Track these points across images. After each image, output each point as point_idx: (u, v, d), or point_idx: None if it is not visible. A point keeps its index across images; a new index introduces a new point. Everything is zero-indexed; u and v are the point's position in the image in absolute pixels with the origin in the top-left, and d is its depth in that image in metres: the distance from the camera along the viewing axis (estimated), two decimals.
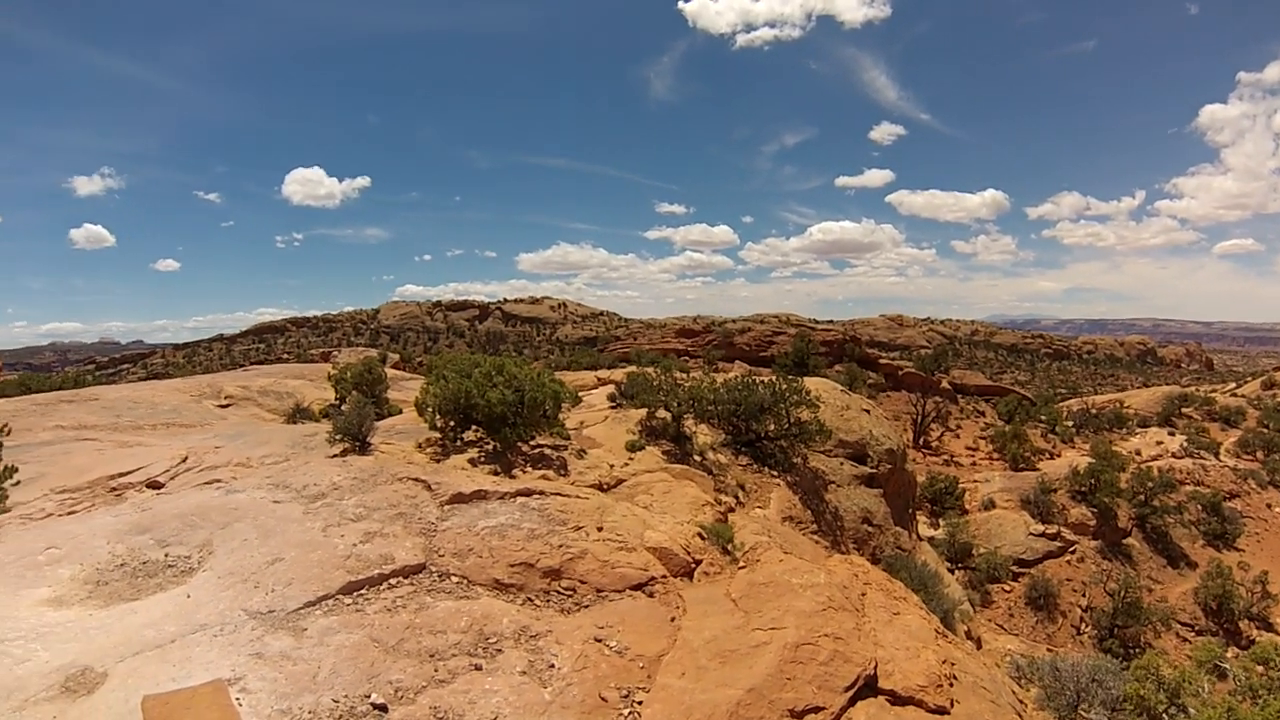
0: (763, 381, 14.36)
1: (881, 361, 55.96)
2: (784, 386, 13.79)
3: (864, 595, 5.98)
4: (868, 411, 17.27)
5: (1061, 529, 24.04)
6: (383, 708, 3.88)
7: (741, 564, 6.81)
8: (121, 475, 9.69)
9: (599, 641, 4.86)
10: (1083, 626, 20.63)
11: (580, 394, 15.04)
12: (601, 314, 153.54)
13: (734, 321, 72.10)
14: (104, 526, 6.16)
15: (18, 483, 8.60)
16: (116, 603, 4.96)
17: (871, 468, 15.11)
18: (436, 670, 4.21)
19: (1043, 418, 37.96)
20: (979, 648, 13.73)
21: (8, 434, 8.91)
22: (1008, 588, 21.88)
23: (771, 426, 13.78)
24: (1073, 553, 23.18)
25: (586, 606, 5.34)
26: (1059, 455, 31.19)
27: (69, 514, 7.81)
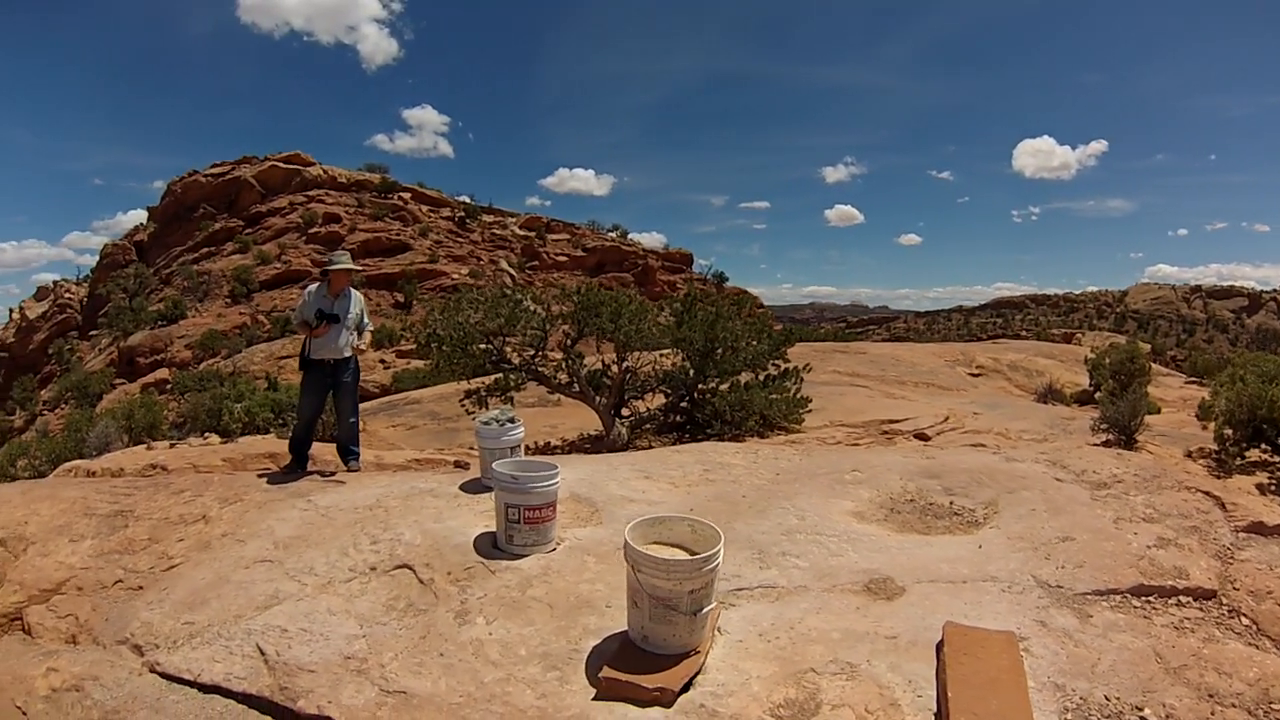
0: None
1: None
2: None
3: None
4: None
5: None
6: None
7: None
8: (891, 422, 10.81)
9: None
10: None
11: None
12: None
13: None
14: (894, 463, 6.98)
15: (810, 411, 10.09)
16: (908, 532, 5.57)
17: None
18: (1213, 713, 3.74)
19: None
20: None
21: (808, 371, 10.59)
22: None
23: None
24: None
25: None
26: None
27: (854, 445, 8.96)
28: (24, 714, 4.03)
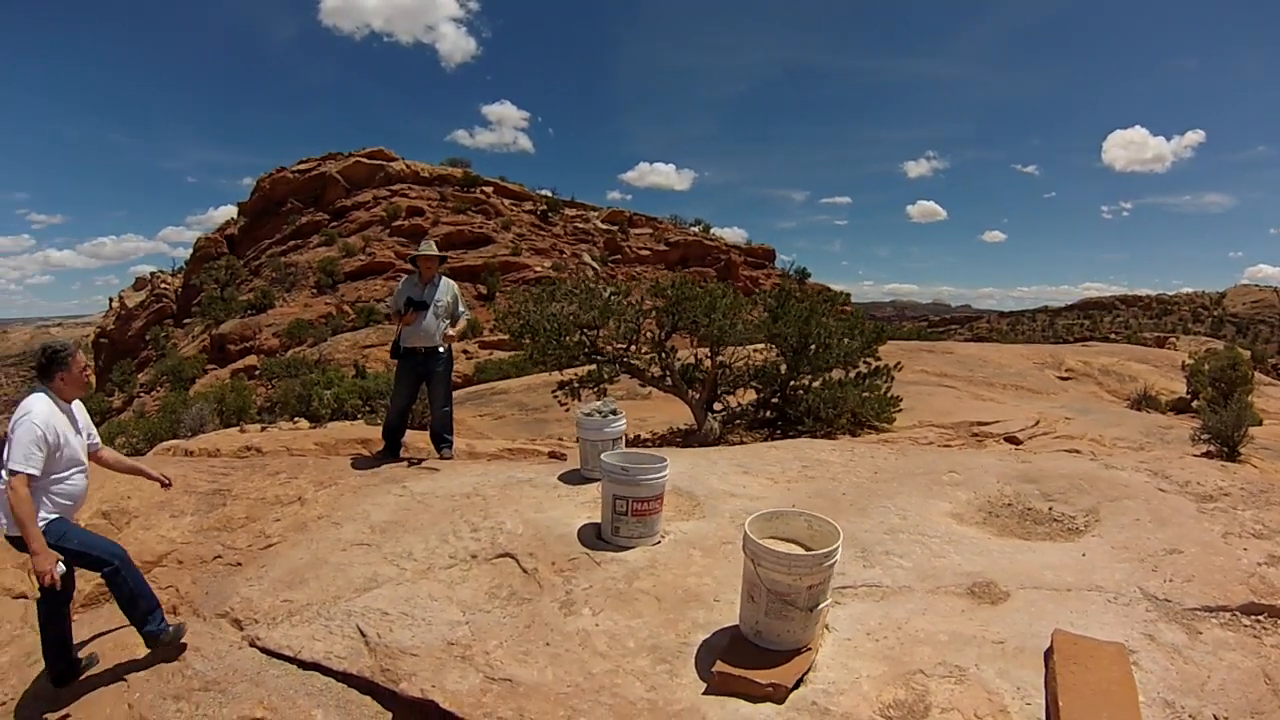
0: None
1: None
2: None
3: None
4: None
5: None
6: None
7: None
8: (981, 424, 10.68)
9: None
10: None
11: None
12: None
13: None
14: (991, 466, 6.89)
15: (900, 410, 10.01)
16: (1008, 536, 5.51)
17: None
18: None
19: None
20: None
21: (899, 370, 10.55)
22: None
23: None
24: None
25: None
26: None
27: (946, 446, 8.86)
28: (125, 683, 4.26)
